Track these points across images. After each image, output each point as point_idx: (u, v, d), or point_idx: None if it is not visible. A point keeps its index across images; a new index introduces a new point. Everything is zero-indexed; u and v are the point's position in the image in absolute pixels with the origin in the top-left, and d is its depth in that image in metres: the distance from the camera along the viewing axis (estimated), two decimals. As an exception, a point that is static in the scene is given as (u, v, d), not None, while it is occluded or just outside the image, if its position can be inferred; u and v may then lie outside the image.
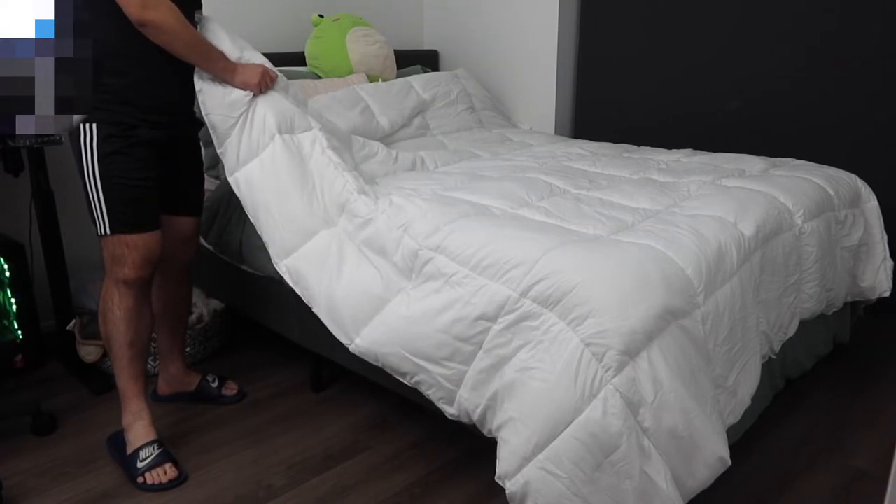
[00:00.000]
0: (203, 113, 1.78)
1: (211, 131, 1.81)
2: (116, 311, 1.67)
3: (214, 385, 2.04)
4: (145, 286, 1.71)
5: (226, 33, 1.78)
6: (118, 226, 1.62)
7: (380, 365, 1.58)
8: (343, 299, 1.63)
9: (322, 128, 1.88)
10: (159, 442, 1.71)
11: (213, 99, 1.75)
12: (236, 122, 1.78)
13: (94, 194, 1.60)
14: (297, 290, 1.74)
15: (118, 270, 1.65)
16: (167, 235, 1.77)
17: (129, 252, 1.63)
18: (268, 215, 1.76)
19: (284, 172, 1.76)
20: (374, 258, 1.62)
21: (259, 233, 1.80)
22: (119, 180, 1.59)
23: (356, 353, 1.61)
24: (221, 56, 1.71)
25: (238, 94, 1.76)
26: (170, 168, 1.74)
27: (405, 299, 1.51)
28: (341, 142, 1.97)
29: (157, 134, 1.65)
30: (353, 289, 1.62)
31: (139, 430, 1.71)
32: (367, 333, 1.58)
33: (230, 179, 1.83)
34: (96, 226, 1.63)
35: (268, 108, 1.79)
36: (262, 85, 1.77)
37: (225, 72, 1.72)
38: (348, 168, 1.81)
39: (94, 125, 1.57)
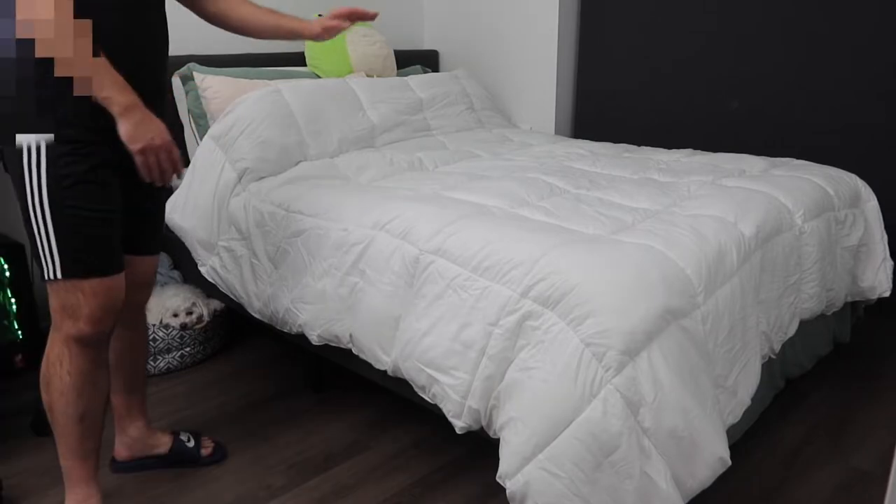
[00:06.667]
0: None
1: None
2: (66, 376, 1.34)
3: (191, 445, 1.73)
4: (103, 344, 1.38)
5: None
6: (73, 269, 1.28)
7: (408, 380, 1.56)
8: (362, 329, 1.62)
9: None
10: None
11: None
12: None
13: (41, 229, 1.26)
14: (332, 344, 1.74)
15: (70, 325, 1.31)
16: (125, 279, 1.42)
17: (86, 301, 1.30)
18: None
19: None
20: (375, 277, 1.60)
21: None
22: (75, 211, 1.26)
23: (393, 375, 1.59)
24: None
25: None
26: (132, 197, 1.41)
27: (414, 311, 1.50)
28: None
29: (122, 154, 1.28)
30: (367, 317, 1.60)
31: None
32: (393, 352, 1.56)
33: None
34: (44, 268, 1.30)
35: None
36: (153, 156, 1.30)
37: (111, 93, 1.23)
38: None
39: (42, 143, 1.23)
